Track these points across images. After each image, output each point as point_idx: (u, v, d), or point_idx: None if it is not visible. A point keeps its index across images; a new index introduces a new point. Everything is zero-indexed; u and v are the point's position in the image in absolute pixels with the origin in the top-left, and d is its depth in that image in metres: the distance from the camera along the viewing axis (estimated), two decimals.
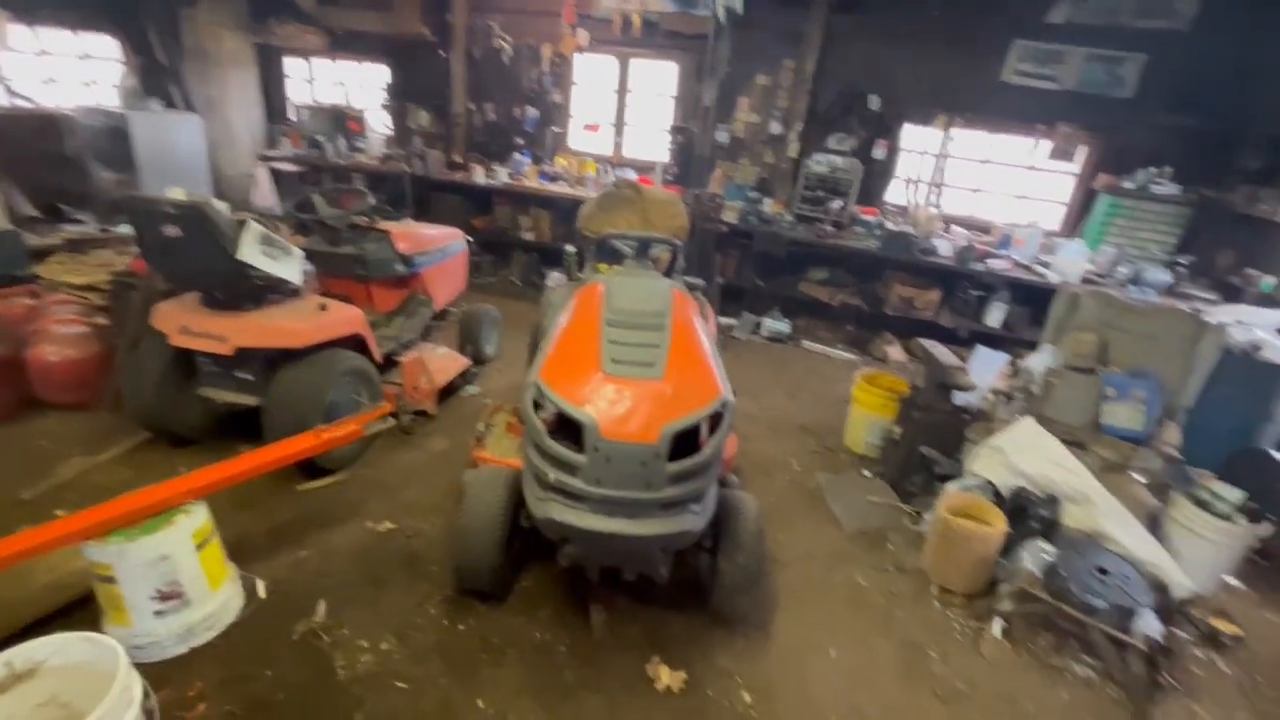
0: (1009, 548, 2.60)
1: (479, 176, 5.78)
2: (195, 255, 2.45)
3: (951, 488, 2.80)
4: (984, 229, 5.31)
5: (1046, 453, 2.74)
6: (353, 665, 1.92)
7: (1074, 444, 2.89)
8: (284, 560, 2.32)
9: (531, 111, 6.24)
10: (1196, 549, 2.64)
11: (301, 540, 2.43)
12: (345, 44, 6.76)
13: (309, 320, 2.75)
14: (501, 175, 5.81)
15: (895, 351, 5.20)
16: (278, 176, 6.71)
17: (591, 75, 6.13)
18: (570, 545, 1.91)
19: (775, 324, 5.29)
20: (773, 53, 5.44)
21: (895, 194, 5.57)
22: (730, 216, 5.17)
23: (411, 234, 3.56)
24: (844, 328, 5.47)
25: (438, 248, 3.74)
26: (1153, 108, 4.72)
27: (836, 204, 5.06)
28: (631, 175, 5.79)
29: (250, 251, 2.47)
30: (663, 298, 2.20)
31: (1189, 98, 4.58)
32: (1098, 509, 2.55)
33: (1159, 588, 2.43)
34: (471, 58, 6.25)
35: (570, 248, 2.90)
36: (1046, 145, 5.05)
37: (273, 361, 2.73)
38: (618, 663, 2.04)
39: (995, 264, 4.72)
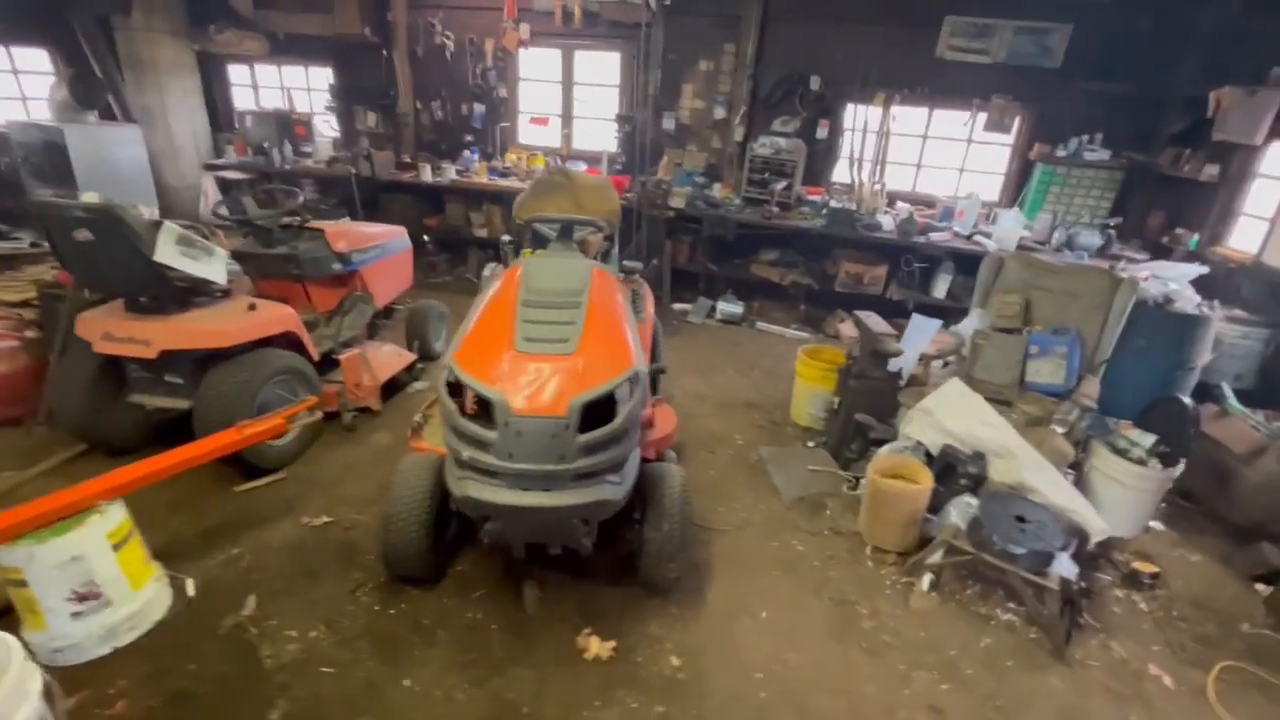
0: (940, 505, 2.68)
1: (427, 175, 5.75)
2: (110, 259, 2.43)
3: (883, 451, 2.87)
4: (928, 203, 5.40)
5: (972, 411, 2.82)
6: (279, 654, 1.93)
7: (1001, 402, 2.98)
8: (216, 559, 2.32)
9: (479, 108, 6.23)
10: (1117, 494, 2.74)
11: (236, 539, 2.43)
12: (288, 48, 6.68)
13: (236, 320, 2.73)
14: (449, 173, 5.79)
15: (847, 328, 5.27)
16: (226, 186, 6.62)
17: (536, 69, 6.12)
18: (491, 522, 1.94)
19: (729, 306, 5.35)
20: (713, 38, 5.48)
21: (841, 173, 5.64)
22: (679, 202, 5.21)
23: (348, 232, 3.55)
24: (797, 307, 5.55)
25: (377, 245, 3.72)
26: (1080, 77, 4.84)
27: (780, 185, 5.11)
28: (581, 166, 5.81)
29: (168, 252, 2.45)
30: (580, 277, 2.23)
31: (1114, 65, 4.71)
32: (1020, 462, 2.64)
33: (1078, 533, 2.51)
34: (415, 56, 6.21)
35: (506, 237, 2.91)
36: (982, 118, 5.15)
37: (202, 364, 2.72)
38: (548, 636, 2.07)
39: (937, 236, 4.81)
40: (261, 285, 3.49)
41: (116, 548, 1.90)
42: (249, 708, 1.76)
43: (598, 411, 1.86)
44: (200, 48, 6.68)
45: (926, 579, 2.47)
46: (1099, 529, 2.51)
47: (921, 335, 3.49)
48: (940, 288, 4.99)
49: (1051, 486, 2.58)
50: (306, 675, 1.87)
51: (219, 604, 2.11)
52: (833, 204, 5.02)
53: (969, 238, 4.83)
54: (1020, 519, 2.39)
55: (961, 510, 2.56)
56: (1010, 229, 4.63)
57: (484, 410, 1.87)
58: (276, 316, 2.89)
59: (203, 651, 1.93)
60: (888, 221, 4.91)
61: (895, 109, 5.27)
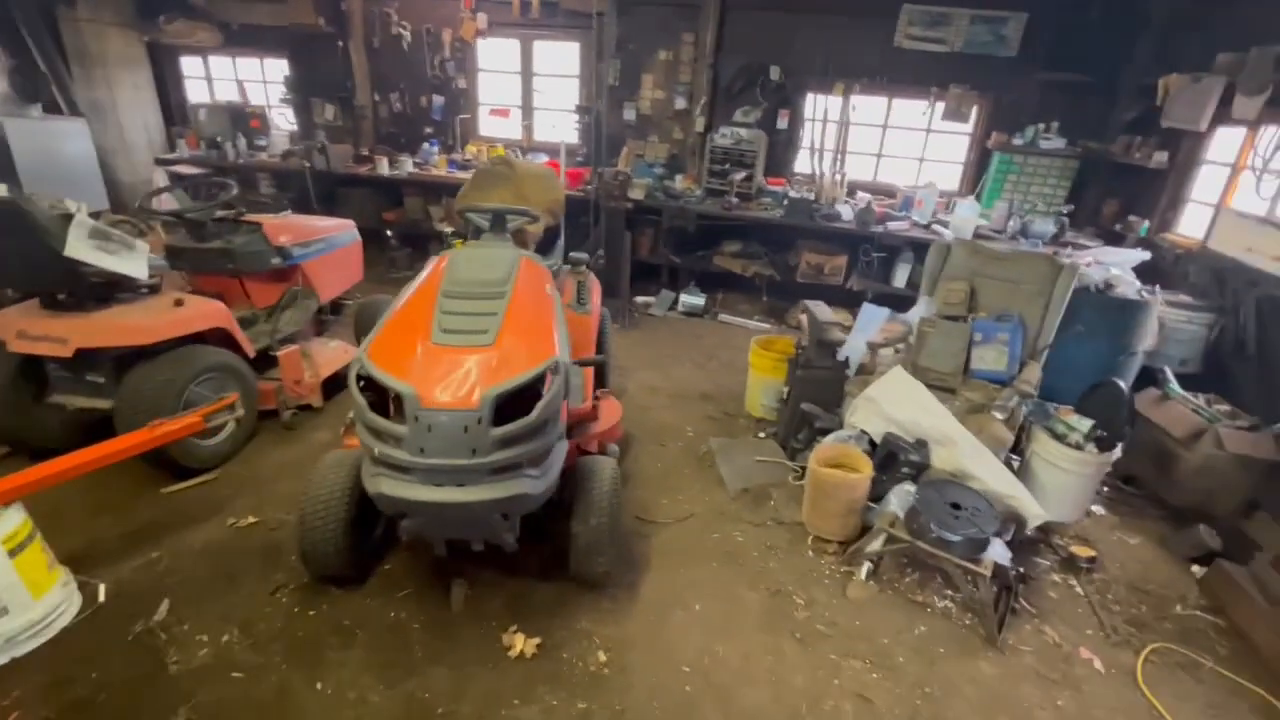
0: (882, 493, 2.67)
1: (384, 168, 5.65)
2: (17, 254, 2.33)
3: (827, 440, 2.86)
4: (888, 193, 5.41)
5: (914, 399, 2.81)
6: (188, 659, 1.87)
7: (945, 390, 2.98)
8: (133, 562, 2.24)
9: (438, 99, 6.13)
10: (1057, 479, 2.75)
11: (157, 541, 2.35)
12: (242, 39, 6.52)
13: (159, 316, 2.65)
14: (407, 166, 5.69)
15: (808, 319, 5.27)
16: (181, 181, 6.45)
17: (495, 59, 6.03)
18: (407, 519, 1.89)
19: (691, 298, 5.32)
20: (673, 27, 5.43)
21: (803, 163, 5.63)
22: (638, 194, 5.15)
23: (288, 226, 3.45)
24: (760, 299, 5.53)
25: (320, 239, 3.63)
26: (1037, 65, 4.86)
27: (739, 175, 5.08)
28: (542, 158, 5.74)
29: (79, 247, 2.36)
30: (505, 268, 2.18)
31: (1069, 53, 4.73)
32: (960, 449, 2.63)
33: (1016, 519, 2.52)
34: (371, 47, 6.09)
35: (448, 229, 2.86)
36: (941, 107, 5.15)
37: (125, 362, 2.63)
38: (472, 635, 2.03)
39: (895, 226, 4.81)
40: (197, 281, 3.40)
41: (13, 554, 1.82)
42: (149, 716, 1.70)
43: (520, 404, 1.82)
44: (150, 39, 6.49)
45: (865, 568, 2.46)
46: (1035, 514, 2.51)
47: (871, 324, 3.48)
48: (900, 277, 4.99)
49: (990, 473, 2.57)
50: (214, 680, 1.81)
51: (130, 609, 2.04)
52: (792, 194, 5.00)
53: (927, 227, 4.84)
54: (955, 506, 2.38)
55: (901, 498, 2.56)
56: (966, 217, 4.64)
57: (399, 405, 1.82)
58: (204, 312, 2.81)
59: (107, 659, 1.86)
60: (847, 211, 4.90)
61: (855, 98, 5.26)
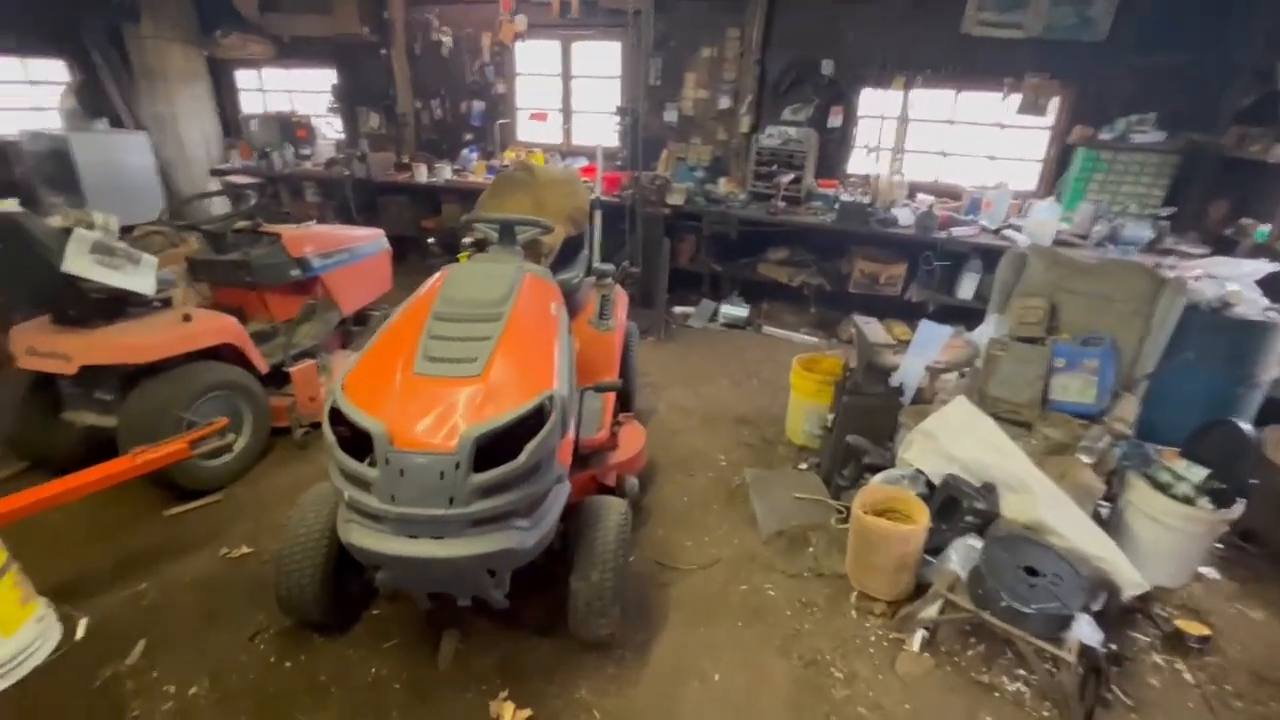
0: (941, 545, 2.30)
1: (423, 176, 5.59)
2: (20, 270, 2.28)
3: (875, 480, 2.50)
4: (953, 195, 4.92)
5: (980, 435, 2.42)
6: (149, 714, 1.72)
7: (1018, 424, 2.57)
8: (120, 594, 2.13)
9: (477, 105, 6.04)
10: (1158, 537, 2.29)
11: (147, 571, 2.24)
12: (293, 51, 6.64)
13: (165, 333, 2.56)
14: (445, 173, 5.61)
15: (880, 327, 4.85)
16: (236, 190, 6.60)
17: (534, 62, 5.89)
18: (382, 571, 1.68)
19: (732, 309, 5.00)
20: (717, 22, 5.14)
21: (858, 164, 5.21)
22: (677, 199, 4.88)
23: (309, 236, 3.36)
24: (808, 310, 5.14)
25: (343, 249, 3.53)
26: (1129, 49, 4.30)
27: (787, 178, 4.73)
28: (581, 163, 5.55)
29: (79, 263, 2.29)
30: (505, 286, 1.95)
31: (1168, 34, 4.16)
32: (1036, 498, 2.23)
33: (1107, 586, 2.10)
34: (413, 54, 6.07)
35: (431, 239, 2.67)
36: (1016, 99, 4.64)
37: (132, 379, 2.55)
38: (457, 700, 1.80)
39: (961, 231, 4.35)
40: (218, 293, 3.35)
41: None
42: None
43: (513, 443, 1.58)
44: (209, 53, 6.70)
45: (918, 636, 2.09)
46: (1133, 582, 2.09)
47: (931, 343, 3.08)
48: (966, 288, 4.52)
49: (1074, 528, 2.16)
50: None
51: (105, 649, 1.91)
52: (844, 197, 4.60)
53: (997, 232, 4.35)
54: (1030, 571, 1.99)
55: (964, 554, 2.18)
56: (1044, 221, 4.13)
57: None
58: (213, 328, 2.71)
59: (69, 709, 1.73)
60: (905, 215, 4.47)
61: (916, 93, 4.81)
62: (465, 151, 5.92)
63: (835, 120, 5.03)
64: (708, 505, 2.76)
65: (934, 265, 4.47)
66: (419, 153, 6.17)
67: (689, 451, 3.17)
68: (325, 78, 6.71)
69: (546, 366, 1.79)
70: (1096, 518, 2.29)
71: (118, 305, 2.59)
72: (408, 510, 1.53)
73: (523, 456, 1.57)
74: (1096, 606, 2.07)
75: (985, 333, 2.85)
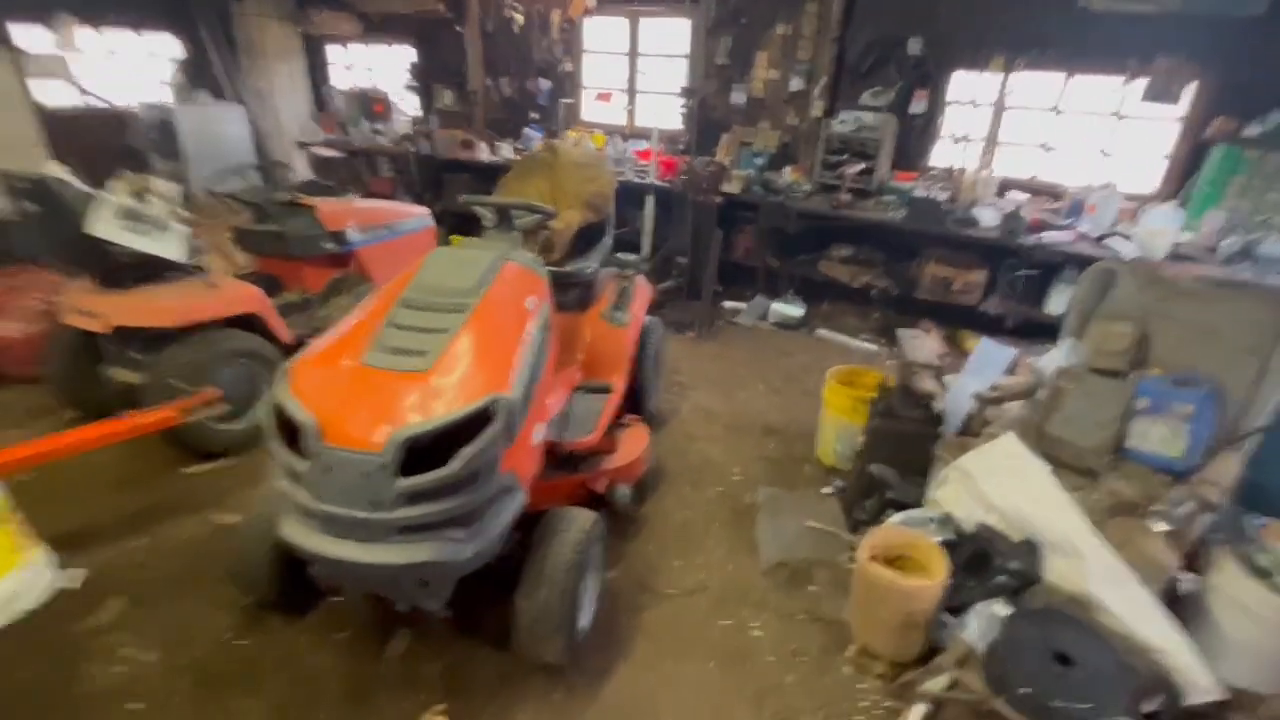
0: (965, 604, 1.97)
1: (484, 154, 5.59)
2: (52, 232, 2.40)
3: (895, 519, 2.19)
4: (1052, 194, 4.32)
5: (1027, 482, 2.05)
6: (101, 677, 1.76)
7: (1080, 472, 2.17)
8: (119, 548, 2.22)
9: (544, 83, 5.95)
10: (1248, 633, 1.84)
11: (148, 528, 2.33)
12: (379, 27, 6.83)
13: (191, 299, 2.65)
14: (506, 151, 5.59)
15: (931, 340, 4.39)
16: (324, 162, 6.92)
17: (602, 40, 5.72)
18: (315, 565, 1.61)
19: (785, 308, 4.66)
20: None
21: (942, 156, 4.68)
22: (735, 187, 4.59)
23: (347, 210, 3.40)
24: (871, 315, 4.72)
25: (381, 225, 3.55)
26: None
27: (854, 168, 4.31)
28: (642, 145, 5.36)
29: (104, 227, 2.38)
30: (478, 274, 1.81)
31: None
32: (1088, 566, 1.85)
33: (1164, 687, 1.71)
34: (485, 31, 6.05)
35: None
36: (1141, 85, 3.97)
37: (160, 341, 2.66)
38: (390, 708, 1.72)
39: (1054, 237, 3.79)
40: (261, 263, 3.46)
41: None
42: None
43: (461, 444, 1.46)
44: (303, 29, 7.02)
45: (918, 711, 1.80)
46: (1202, 686, 1.69)
47: (988, 366, 2.67)
48: (1056, 302, 3.95)
49: (1132, 609, 1.78)
50: (111, 711, 1.67)
51: (88, 602, 1.99)
52: (918, 193, 4.13)
53: (1100, 240, 3.76)
54: (1063, 658, 1.64)
55: (985, 622, 1.85)
56: (1159, 230, 3.52)
57: None
58: (237, 296, 2.78)
59: (39, 660, 1.80)
60: (989, 216, 3.96)
61: (1018, 76, 4.23)
62: (528, 130, 5.86)
63: (919, 106, 4.52)
64: (709, 523, 2.54)
65: (1018, 274, 3.93)
66: (485, 131, 6.18)
67: (702, 461, 2.94)
68: (406, 55, 6.86)
69: (502, 366, 1.64)
70: (1167, 599, 1.87)
71: (155, 270, 2.69)
72: (332, 509, 1.45)
73: (455, 464, 1.44)
74: (1149, 708, 1.69)
75: (1054, 360, 2.42)
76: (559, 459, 2.29)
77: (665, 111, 5.50)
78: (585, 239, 2.88)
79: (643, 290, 2.99)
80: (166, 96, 6.61)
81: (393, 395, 1.51)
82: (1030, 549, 1.97)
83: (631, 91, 5.72)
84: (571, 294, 2.77)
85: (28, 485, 2.46)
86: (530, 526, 1.83)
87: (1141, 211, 3.85)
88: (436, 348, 1.61)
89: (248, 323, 2.86)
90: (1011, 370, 2.65)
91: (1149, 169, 4.22)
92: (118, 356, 2.78)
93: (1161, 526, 1.90)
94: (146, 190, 3.13)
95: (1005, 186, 4.41)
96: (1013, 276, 3.96)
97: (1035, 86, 4.28)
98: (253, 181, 3.23)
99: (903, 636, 1.94)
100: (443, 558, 1.49)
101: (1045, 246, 3.76)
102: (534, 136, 5.81)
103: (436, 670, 1.83)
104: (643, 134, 5.65)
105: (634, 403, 2.88)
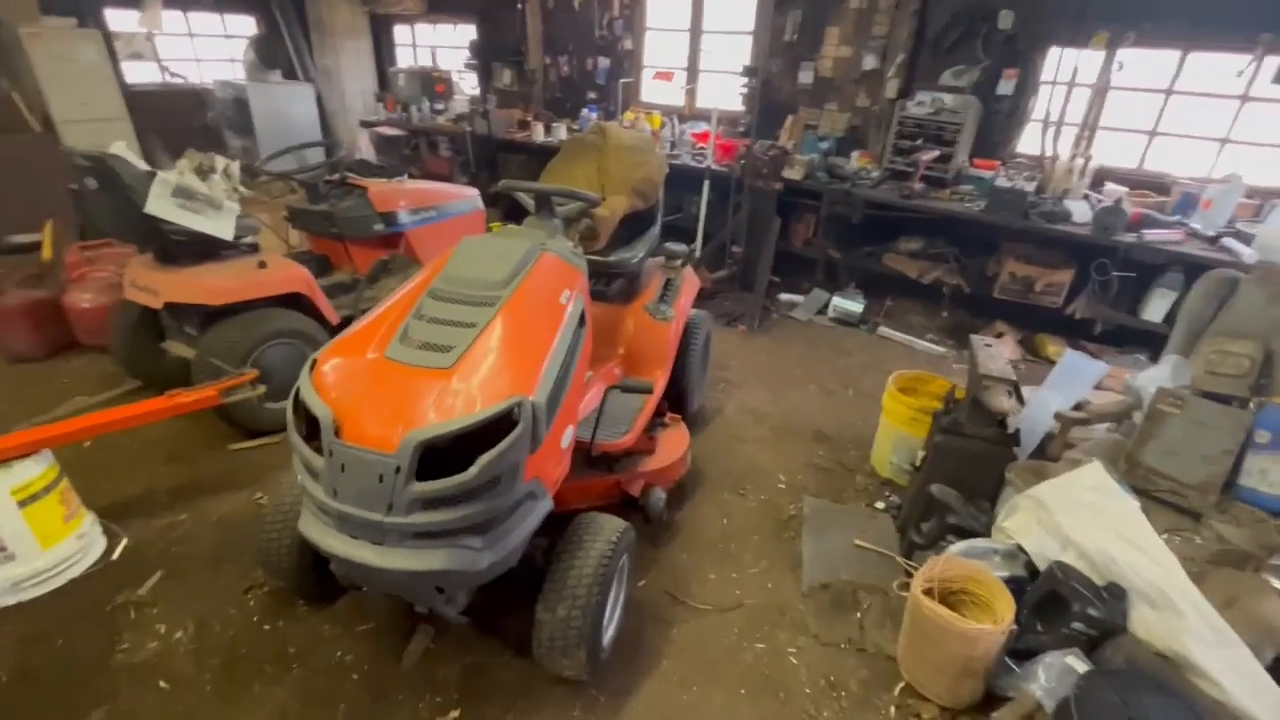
0: (1035, 650, 1.77)
1: (539, 134, 5.51)
2: (112, 209, 2.45)
3: (956, 549, 1.98)
4: (1158, 187, 3.86)
5: (1115, 519, 1.80)
6: (135, 651, 1.79)
7: (1181, 512, 1.90)
8: (161, 521, 2.28)
9: (603, 62, 5.81)
10: None
11: (191, 503, 2.38)
12: (441, 6, 6.85)
13: (239, 278, 2.67)
14: (561, 132, 5.49)
15: (1005, 347, 4.04)
16: (386, 141, 7.03)
17: (664, 15, 5.51)
18: (334, 563, 1.57)
19: (845, 303, 4.39)
20: None
21: (1031, 142, 4.27)
22: (796, 173, 4.32)
23: (398, 192, 3.38)
24: (940, 313, 4.39)
25: (430, 207, 3.52)
26: None
27: (928, 154, 3.98)
28: (701, 128, 5.15)
29: (161, 205, 2.41)
30: (513, 265, 1.71)
31: None
32: (1185, 622, 1.61)
33: None
34: (546, 8, 5.95)
35: None
36: (1272, 65, 3.47)
37: (211, 317, 2.71)
38: (406, 709, 1.68)
39: (1157, 235, 3.38)
40: (314, 243, 3.50)
41: (23, 504, 1.88)
42: (64, 710, 1.62)
43: (483, 447, 1.37)
44: (370, 9, 7.10)
45: None
46: None
47: (1074, 381, 2.39)
48: (1156, 309, 3.55)
49: (1236, 677, 1.53)
50: (141, 685, 1.70)
51: (128, 574, 2.04)
52: (1000, 182, 3.77)
53: (1214, 240, 3.33)
54: None
55: (1056, 675, 1.64)
56: None
57: None
58: (284, 277, 2.79)
59: (80, 628, 1.85)
60: (1080, 210, 3.57)
61: (1125, 53, 3.78)
62: (585, 110, 5.74)
63: (1007, 87, 4.13)
64: (748, 534, 2.40)
65: (1111, 275, 3.54)
66: (542, 111, 6.10)
67: (747, 466, 2.79)
68: (467, 34, 6.84)
69: (530, 366, 1.54)
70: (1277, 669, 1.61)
71: (209, 248, 2.73)
72: (346, 509, 1.39)
73: (474, 470, 1.35)
74: None
75: (1155, 378, 2.13)
76: (592, 458, 2.19)
77: (727, 92, 5.25)
78: (633, 227, 2.74)
79: (690, 282, 2.83)
80: (241, 76, 6.84)
81: (412, 393, 1.43)
82: (1115, 595, 1.73)
83: (692, 70, 5.50)
84: (615, 285, 2.65)
85: (86, 455, 2.59)
86: (557, 529, 1.74)
87: (1268, 209, 3.39)
88: (461, 344, 1.52)
89: (297, 302, 2.88)
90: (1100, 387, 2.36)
91: (1276, 159, 3.70)
92: (174, 331, 2.86)
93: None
94: (210, 168, 3.20)
95: (1102, 177, 3.99)
96: (1105, 278, 3.57)
97: (1145, 65, 3.81)
98: (307, 161, 3.24)
99: (957, 682, 1.75)
100: (458, 567, 1.41)
101: (1146, 245, 3.36)
102: (590, 117, 5.69)
103: (455, 673, 1.78)
104: (702, 116, 5.44)
105: (676, 401, 2.75)
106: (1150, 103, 3.91)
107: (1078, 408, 2.24)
